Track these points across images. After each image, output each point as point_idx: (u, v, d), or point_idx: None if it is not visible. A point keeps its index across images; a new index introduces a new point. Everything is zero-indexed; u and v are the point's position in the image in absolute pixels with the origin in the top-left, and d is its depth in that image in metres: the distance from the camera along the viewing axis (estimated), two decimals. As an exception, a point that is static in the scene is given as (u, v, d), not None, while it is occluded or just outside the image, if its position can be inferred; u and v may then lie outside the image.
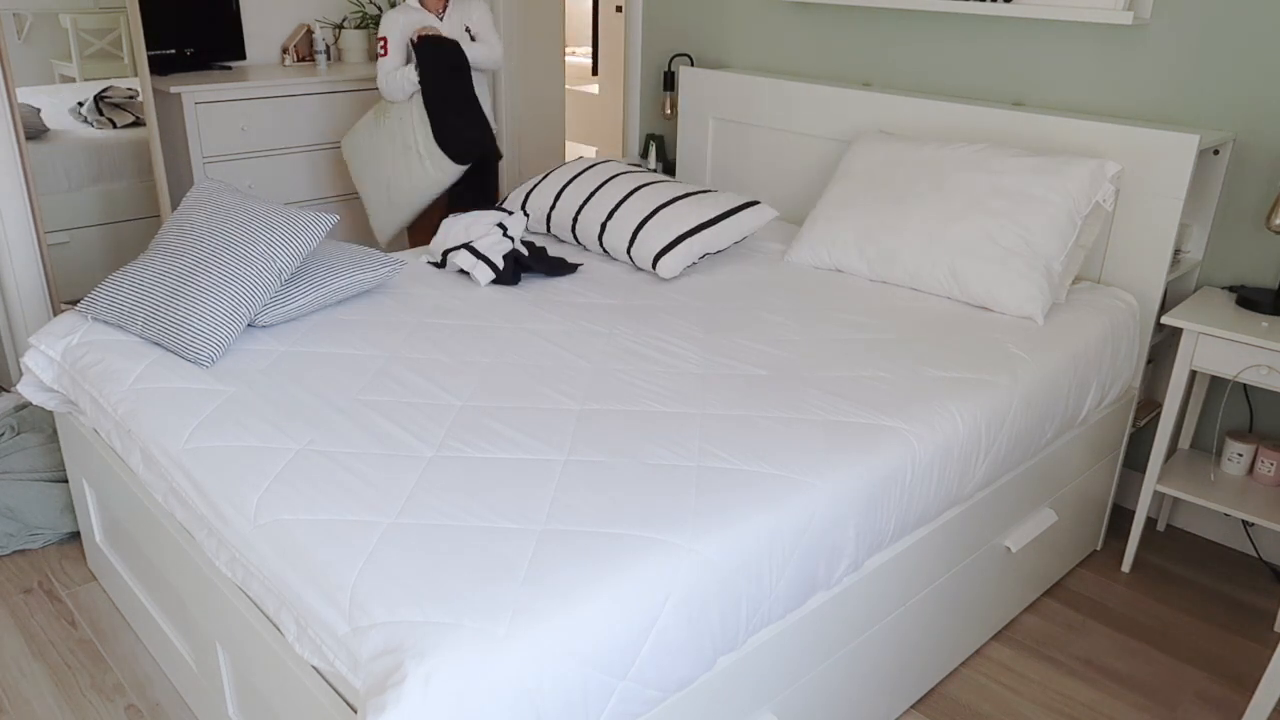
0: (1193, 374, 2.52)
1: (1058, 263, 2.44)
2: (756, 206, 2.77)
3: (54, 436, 2.77)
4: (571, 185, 2.95)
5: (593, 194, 2.88)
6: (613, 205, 2.81)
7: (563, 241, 3.00)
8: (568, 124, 6.42)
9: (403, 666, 1.24)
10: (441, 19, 3.34)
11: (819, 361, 2.13)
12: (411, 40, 3.25)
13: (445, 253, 2.69)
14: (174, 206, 3.74)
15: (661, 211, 2.71)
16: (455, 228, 2.71)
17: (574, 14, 6.94)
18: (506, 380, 2.01)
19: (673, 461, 1.70)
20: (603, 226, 2.79)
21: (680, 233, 2.65)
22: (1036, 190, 2.48)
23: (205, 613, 1.77)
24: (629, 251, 2.72)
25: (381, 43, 3.29)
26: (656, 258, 2.64)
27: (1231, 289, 2.54)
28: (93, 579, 2.48)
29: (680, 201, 2.74)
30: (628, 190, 2.83)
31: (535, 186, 3.04)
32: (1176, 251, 2.59)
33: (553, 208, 2.95)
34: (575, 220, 2.87)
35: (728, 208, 2.73)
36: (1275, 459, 2.51)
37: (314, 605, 1.38)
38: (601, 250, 2.84)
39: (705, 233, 2.66)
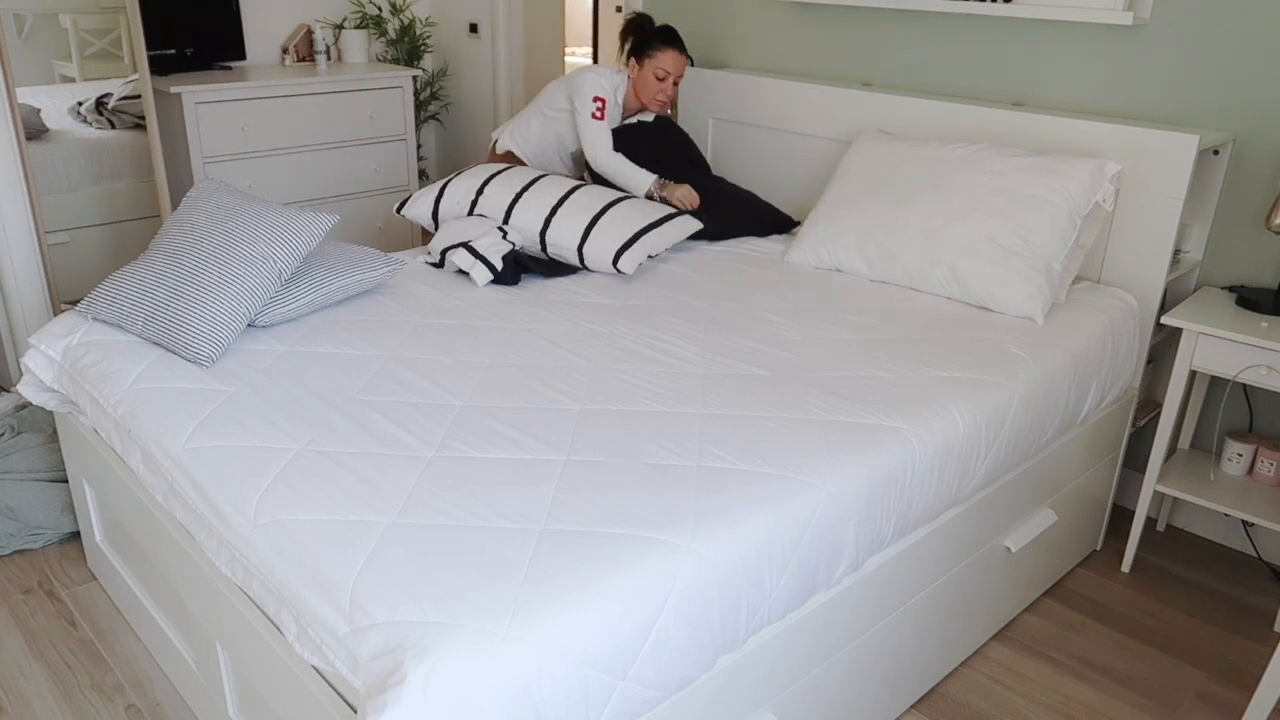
0: (1192, 374, 2.52)
1: (1057, 263, 2.44)
2: (681, 217, 2.77)
3: (54, 436, 2.77)
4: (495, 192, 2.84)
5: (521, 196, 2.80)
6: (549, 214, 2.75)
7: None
8: (568, 124, 6.41)
9: (402, 666, 1.24)
10: None
11: (819, 361, 2.13)
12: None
13: (444, 251, 2.69)
14: (174, 206, 3.74)
15: (601, 221, 2.68)
16: (454, 227, 2.71)
17: (574, 14, 6.95)
18: (506, 380, 2.01)
19: (673, 461, 1.70)
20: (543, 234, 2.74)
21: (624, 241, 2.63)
22: (1036, 190, 2.48)
23: (205, 613, 1.77)
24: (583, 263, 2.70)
25: (600, 104, 2.98)
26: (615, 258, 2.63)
27: (1231, 289, 2.54)
28: (93, 579, 2.48)
29: (612, 209, 2.71)
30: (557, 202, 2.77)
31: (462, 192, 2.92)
32: (1176, 251, 2.59)
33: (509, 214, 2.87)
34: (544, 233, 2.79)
35: (657, 218, 2.72)
36: (1275, 459, 2.51)
37: (314, 605, 1.38)
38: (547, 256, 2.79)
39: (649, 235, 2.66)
